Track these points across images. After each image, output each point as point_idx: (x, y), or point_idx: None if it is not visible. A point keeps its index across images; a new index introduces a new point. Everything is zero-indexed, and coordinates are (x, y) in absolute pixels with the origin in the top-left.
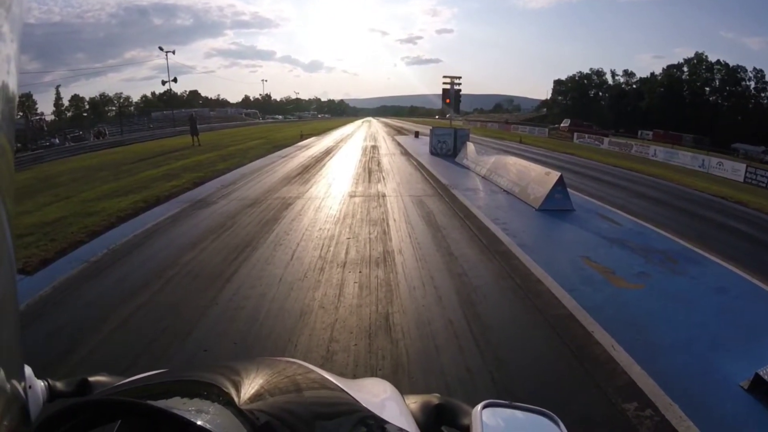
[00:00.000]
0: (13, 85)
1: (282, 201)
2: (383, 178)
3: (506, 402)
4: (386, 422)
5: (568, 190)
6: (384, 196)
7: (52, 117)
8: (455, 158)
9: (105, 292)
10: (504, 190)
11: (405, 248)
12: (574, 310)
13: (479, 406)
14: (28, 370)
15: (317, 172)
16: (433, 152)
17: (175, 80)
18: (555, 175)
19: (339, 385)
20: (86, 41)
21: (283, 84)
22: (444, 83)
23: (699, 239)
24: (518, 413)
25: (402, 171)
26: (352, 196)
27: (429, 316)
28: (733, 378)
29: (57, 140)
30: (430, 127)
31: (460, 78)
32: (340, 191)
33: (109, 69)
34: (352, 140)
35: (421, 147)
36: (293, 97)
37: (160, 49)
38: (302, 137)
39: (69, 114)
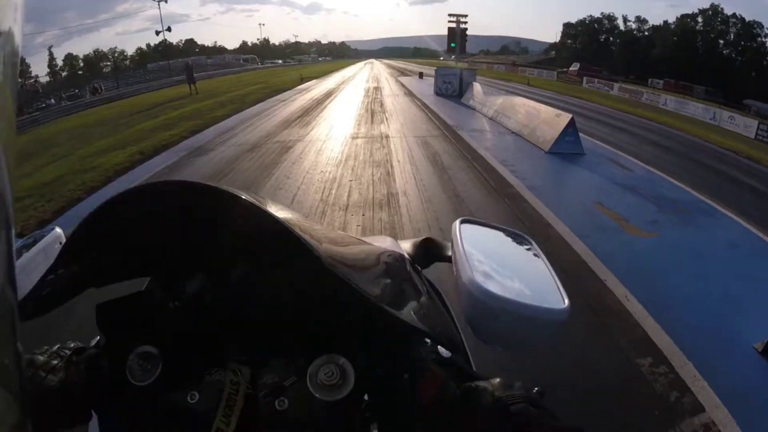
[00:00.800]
0: (17, 34)
1: (281, 145)
2: (386, 119)
3: (483, 221)
4: (405, 258)
5: (579, 134)
6: (387, 137)
7: (48, 78)
8: (461, 99)
9: None
10: (512, 132)
11: (409, 190)
12: (586, 256)
13: (458, 221)
14: (58, 231)
15: (318, 115)
16: (438, 93)
17: (168, 29)
18: (566, 117)
19: (362, 239)
20: None
21: (282, 28)
22: (449, 21)
23: (712, 192)
24: (494, 231)
25: (406, 112)
26: (354, 137)
27: None
28: (747, 338)
29: (53, 101)
30: (435, 68)
31: (466, 16)
32: (342, 133)
33: (102, 24)
34: (354, 82)
35: (426, 88)
36: (292, 40)
37: None
38: (302, 80)
39: (64, 74)
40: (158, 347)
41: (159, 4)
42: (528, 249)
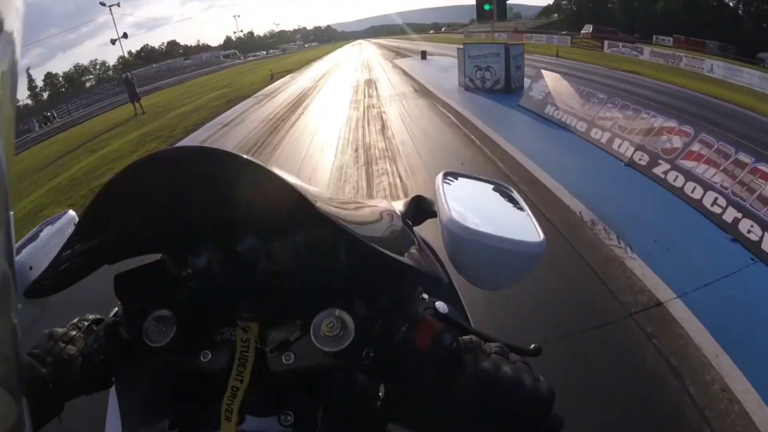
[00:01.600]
0: (18, 38)
1: None
2: (401, 176)
3: (465, 173)
4: (396, 214)
5: None
6: None
7: (30, 102)
8: (520, 101)
9: None
10: (718, 226)
11: None
12: None
13: (440, 174)
14: (72, 213)
15: (269, 161)
16: (469, 87)
17: (125, 36)
18: None
19: (358, 201)
20: (57, 16)
21: (265, 18)
22: None
23: None
24: (475, 181)
25: (434, 149)
26: None
27: None
28: None
29: None
30: (459, 47)
31: None
32: None
33: (84, 37)
34: (338, 74)
35: (440, 75)
36: (276, 30)
37: (102, 4)
38: (272, 79)
39: (46, 94)
40: (172, 310)
41: (110, 9)
42: (508, 194)
